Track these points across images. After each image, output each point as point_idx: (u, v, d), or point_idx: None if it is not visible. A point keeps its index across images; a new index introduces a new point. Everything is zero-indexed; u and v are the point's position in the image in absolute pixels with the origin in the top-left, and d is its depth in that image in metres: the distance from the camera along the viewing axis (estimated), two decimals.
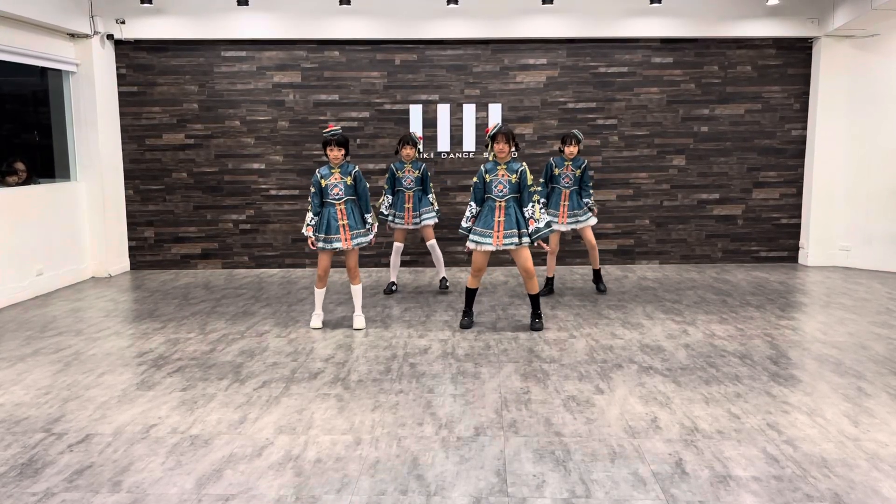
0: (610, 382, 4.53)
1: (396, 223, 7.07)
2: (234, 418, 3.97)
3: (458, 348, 5.30)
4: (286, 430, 3.79)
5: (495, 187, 5.55)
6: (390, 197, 7.08)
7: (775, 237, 8.95)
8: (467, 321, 5.89)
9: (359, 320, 5.91)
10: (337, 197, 5.67)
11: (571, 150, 6.78)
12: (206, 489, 3.16)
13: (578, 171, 6.85)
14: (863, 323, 5.97)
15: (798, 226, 8.91)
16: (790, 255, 8.97)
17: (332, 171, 5.69)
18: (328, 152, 5.68)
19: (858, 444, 3.59)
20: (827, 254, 8.72)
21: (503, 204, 5.53)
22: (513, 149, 5.55)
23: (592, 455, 3.47)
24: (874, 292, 7.17)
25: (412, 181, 6.98)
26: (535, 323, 5.82)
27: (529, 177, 5.57)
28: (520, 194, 5.56)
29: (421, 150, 6.81)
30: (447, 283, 7.33)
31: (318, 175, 5.69)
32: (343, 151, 5.68)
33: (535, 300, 5.82)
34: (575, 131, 6.90)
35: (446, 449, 3.55)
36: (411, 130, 6.86)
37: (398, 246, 7.19)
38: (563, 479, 3.23)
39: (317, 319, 5.92)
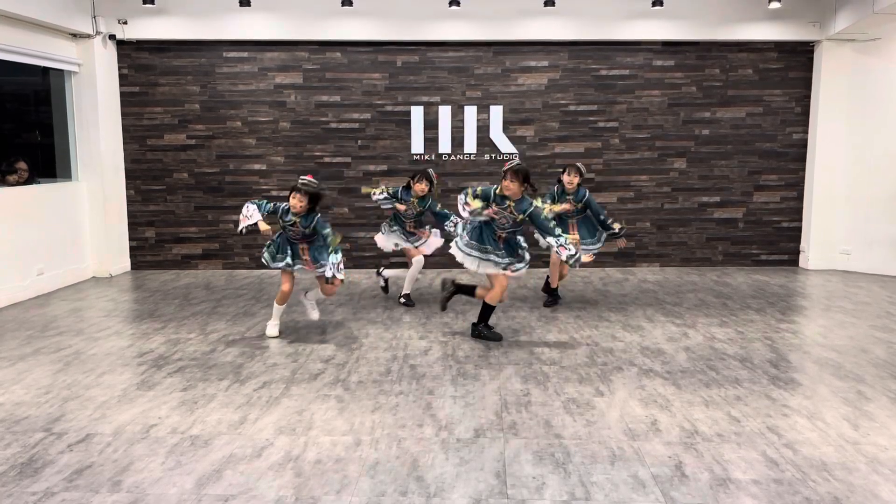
0: (610, 385, 4.53)
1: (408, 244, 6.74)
2: (234, 419, 3.97)
3: (458, 350, 5.30)
4: (286, 431, 3.79)
5: (501, 218, 5.35)
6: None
7: (776, 240, 8.95)
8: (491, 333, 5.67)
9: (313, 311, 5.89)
10: (296, 237, 5.52)
11: (571, 179, 6.44)
12: (205, 489, 3.16)
13: (580, 203, 6.52)
14: (863, 326, 5.97)
15: (799, 229, 8.92)
16: (791, 258, 8.97)
17: (293, 217, 5.42)
18: (291, 198, 5.35)
19: (858, 447, 3.59)
20: (827, 257, 8.72)
21: (504, 235, 5.40)
22: (526, 189, 5.30)
23: (592, 457, 3.48)
24: (874, 296, 7.17)
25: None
26: (477, 330, 5.62)
27: (545, 211, 5.49)
28: (523, 228, 5.43)
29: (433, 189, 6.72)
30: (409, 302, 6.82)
31: (280, 209, 5.46)
32: (305, 203, 5.34)
33: (487, 311, 5.60)
34: (578, 164, 6.57)
35: (446, 450, 3.56)
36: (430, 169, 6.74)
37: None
38: (562, 481, 3.23)
39: (273, 328, 5.77)
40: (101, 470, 3.35)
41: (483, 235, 5.43)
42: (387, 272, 7.11)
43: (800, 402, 4.22)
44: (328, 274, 5.31)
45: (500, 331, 5.83)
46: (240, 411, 4.08)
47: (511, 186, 5.21)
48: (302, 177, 5.45)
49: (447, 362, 4.99)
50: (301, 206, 5.33)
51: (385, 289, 7.15)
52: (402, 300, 6.80)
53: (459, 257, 5.52)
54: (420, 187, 6.51)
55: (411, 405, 4.17)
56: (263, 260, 5.67)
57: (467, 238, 5.51)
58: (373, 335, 5.73)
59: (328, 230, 5.46)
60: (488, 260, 5.42)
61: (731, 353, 5.23)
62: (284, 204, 5.45)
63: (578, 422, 3.92)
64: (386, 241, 6.79)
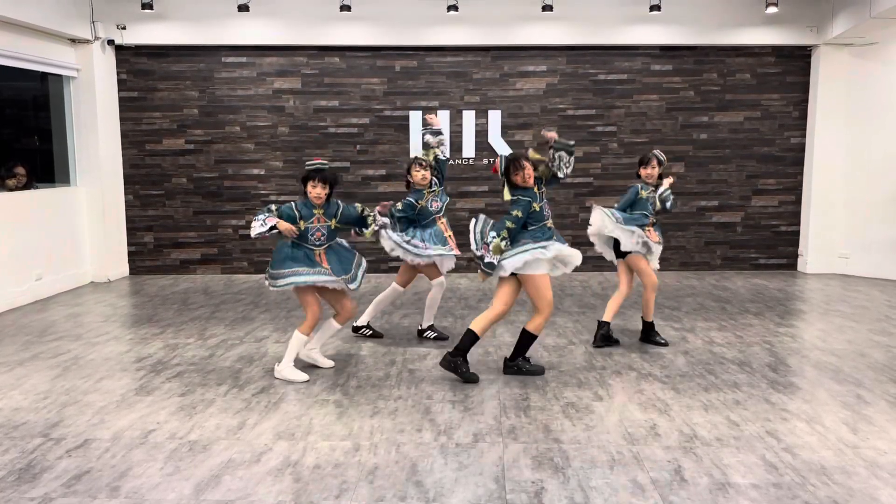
0: (609, 389, 4.52)
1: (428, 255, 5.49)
2: (232, 424, 3.96)
3: None
4: (285, 436, 3.79)
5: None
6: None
7: (774, 244, 8.96)
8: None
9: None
10: (318, 242, 4.73)
11: (650, 171, 5.55)
12: (204, 495, 3.16)
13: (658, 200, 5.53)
14: (861, 330, 5.97)
15: (797, 233, 8.93)
16: (789, 262, 8.97)
17: (314, 211, 4.72)
18: (309, 189, 4.67)
19: (857, 451, 3.59)
20: (826, 261, 8.73)
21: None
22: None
23: (591, 462, 3.47)
24: (873, 300, 7.18)
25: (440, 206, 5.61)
26: (513, 366, 4.79)
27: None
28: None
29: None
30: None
31: (294, 210, 4.65)
32: (328, 191, 4.70)
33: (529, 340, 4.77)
34: (656, 151, 5.69)
35: (445, 455, 3.55)
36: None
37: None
38: (561, 485, 3.23)
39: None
40: (99, 475, 3.35)
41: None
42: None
43: (799, 406, 4.21)
44: (353, 286, 4.76)
45: (498, 334, 5.82)
46: (238, 416, 4.08)
47: (530, 173, 4.57)
48: (309, 162, 4.72)
49: None
50: (323, 195, 4.66)
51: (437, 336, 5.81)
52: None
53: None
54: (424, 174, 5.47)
55: (410, 410, 4.17)
56: (279, 284, 4.60)
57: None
58: (371, 339, 5.72)
59: (359, 206, 4.95)
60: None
61: (730, 357, 5.23)
62: (293, 202, 4.73)
63: (577, 426, 3.91)
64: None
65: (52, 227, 7.63)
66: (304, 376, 4.70)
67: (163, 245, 8.82)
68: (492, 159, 4.83)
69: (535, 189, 4.64)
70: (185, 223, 8.80)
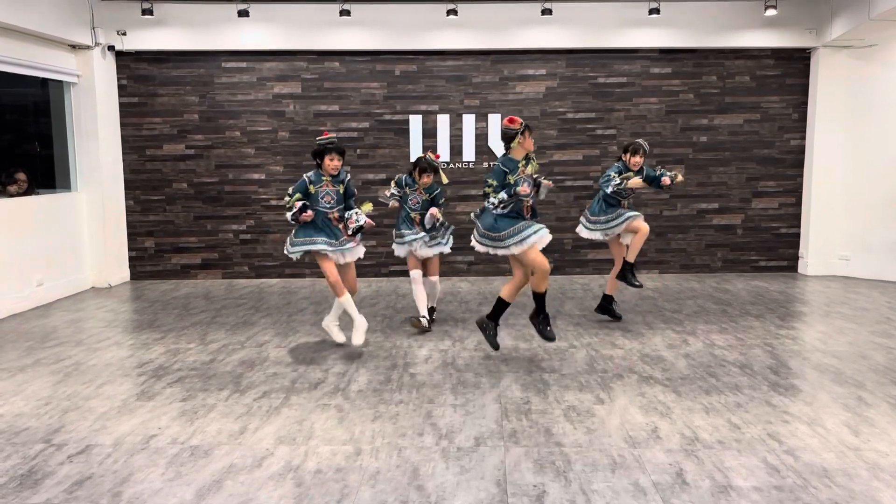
0: (610, 392, 4.53)
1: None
2: (234, 429, 3.96)
3: (458, 358, 5.29)
4: (286, 441, 3.79)
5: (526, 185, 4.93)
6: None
7: (775, 246, 8.96)
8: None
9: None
10: (328, 205, 5.26)
11: (637, 160, 6.20)
12: (205, 500, 3.16)
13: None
14: (862, 332, 5.97)
15: (797, 235, 8.93)
16: (790, 264, 8.97)
17: (323, 178, 5.26)
18: (327, 162, 5.22)
19: (859, 453, 3.58)
20: (826, 263, 8.73)
21: (531, 203, 5.06)
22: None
23: (593, 465, 3.47)
24: (874, 301, 7.18)
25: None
26: (545, 329, 5.11)
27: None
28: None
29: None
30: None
31: (307, 181, 5.22)
32: (342, 161, 5.30)
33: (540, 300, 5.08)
34: (641, 142, 6.29)
35: (446, 459, 3.55)
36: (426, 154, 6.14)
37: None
38: (563, 489, 3.23)
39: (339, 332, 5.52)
40: (101, 481, 3.35)
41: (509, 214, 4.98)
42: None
43: (800, 409, 4.21)
44: (358, 220, 5.22)
45: (500, 337, 5.82)
46: (240, 421, 4.08)
47: (530, 142, 4.95)
48: (321, 138, 5.19)
49: (447, 371, 4.99)
50: (339, 166, 5.22)
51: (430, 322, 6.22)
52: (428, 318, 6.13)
53: (483, 249, 5.07)
54: (425, 180, 6.02)
55: (411, 414, 4.17)
56: (289, 250, 5.25)
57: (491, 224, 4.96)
58: (372, 344, 5.72)
59: (354, 192, 5.45)
60: (523, 237, 4.92)
61: (731, 359, 5.23)
62: (305, 176, 5.24)
63: (579, 429, 3.91)
64: (403, 251, 6.16)
65: (52, 232, 7.64)
66: (341, 338, 5.47)
67: (164, 250, 8.83)
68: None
69: (521, 163, 5.00)
70: (186, 228, 8.81)
